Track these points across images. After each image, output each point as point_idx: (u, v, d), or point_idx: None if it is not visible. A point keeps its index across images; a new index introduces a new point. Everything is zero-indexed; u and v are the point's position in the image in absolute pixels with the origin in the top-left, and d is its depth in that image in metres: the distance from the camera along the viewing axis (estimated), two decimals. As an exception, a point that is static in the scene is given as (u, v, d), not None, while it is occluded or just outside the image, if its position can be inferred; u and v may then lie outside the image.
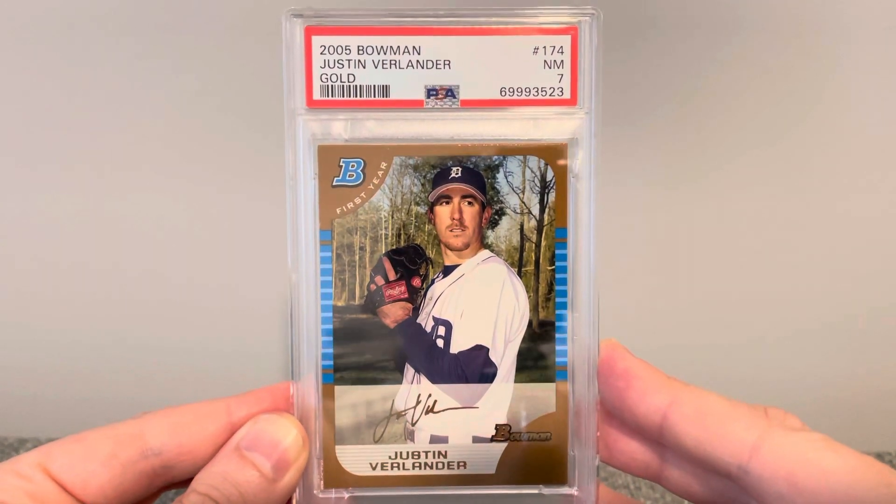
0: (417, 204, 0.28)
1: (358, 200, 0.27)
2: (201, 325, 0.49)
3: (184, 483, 0.27)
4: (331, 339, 0.28)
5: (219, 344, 0.49)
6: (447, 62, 0.27)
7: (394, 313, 0.28)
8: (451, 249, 0.28)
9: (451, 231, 0.28)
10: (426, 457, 0.28)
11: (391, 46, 0.27)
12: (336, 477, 0.28)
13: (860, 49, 0.45)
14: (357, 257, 0.28)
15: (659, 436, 0.26)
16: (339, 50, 0.27)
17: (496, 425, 0.28)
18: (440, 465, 0.28)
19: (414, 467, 0.28)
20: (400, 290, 0.28)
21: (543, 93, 0.27)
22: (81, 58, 0.44)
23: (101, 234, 0.47)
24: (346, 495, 0.28)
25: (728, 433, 0.25)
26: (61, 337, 0.49)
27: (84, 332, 0.49)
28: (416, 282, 0.28)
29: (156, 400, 0.27)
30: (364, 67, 0.27)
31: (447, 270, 0.28)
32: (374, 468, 0.28)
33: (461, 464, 0.28)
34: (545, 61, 0.27)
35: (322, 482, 0.28)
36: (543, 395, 0.28)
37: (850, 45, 0.45)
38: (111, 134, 0.45)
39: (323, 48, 0.27)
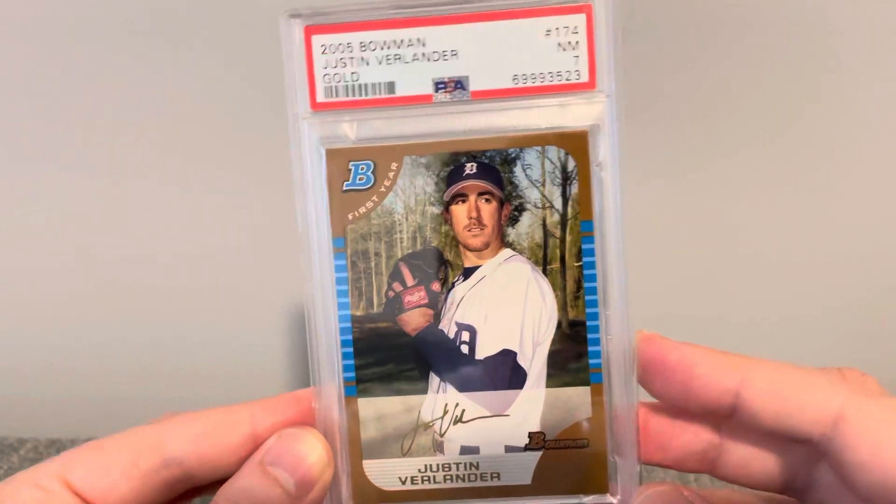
0: (432, 204, 0.26)
1: (370, 204, 0.26)
2: (214, 330, 0.48)
3: (206, 488, 0.26)
4: (351, 350, 0.27)
5: (233, 350, 0.48)
6: (454, 52, 0.25)
7: (414, 320, 0.27)
8: (470, 250, 0.26)
9: (468, 231, 0.26)
10: (457, 469, 0.27)
11: (394, 40, 0.26)
12: (365, 492, 0.27)
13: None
14: (373, 264, 0.26)
15: (730, 416, 0.25)
16: (341, 48, 0.26)
17: (529, 433, 0.27)
18: (472, 477, 0.27)
19: (445, 480, 0.27)
20: (419, 295, 0.26)
21: (559, 77, 0.25)
22: (84, 59, 0.44)
23: (106, 236, 0.47)
24: (377, 511, 0.27)
25: (808, 403, 0.24)
26: (62, 337, 0.49)
27: (85, 332, 0.49)
28: (436, 286, 0.26)
29: (159, 400, 0.26)
30: (368, 64, 0.26)
31: (467, 272, 0.26)
32: (403, 482, 0.27)
33: (494, 475, 0.27)
34: (559, 43, 0.25)
35: (351, 499, 0.27)
36: (578, 399, 0.26)
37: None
38: (122, 139, 0.45)
39: (324, 47, 0.26)
